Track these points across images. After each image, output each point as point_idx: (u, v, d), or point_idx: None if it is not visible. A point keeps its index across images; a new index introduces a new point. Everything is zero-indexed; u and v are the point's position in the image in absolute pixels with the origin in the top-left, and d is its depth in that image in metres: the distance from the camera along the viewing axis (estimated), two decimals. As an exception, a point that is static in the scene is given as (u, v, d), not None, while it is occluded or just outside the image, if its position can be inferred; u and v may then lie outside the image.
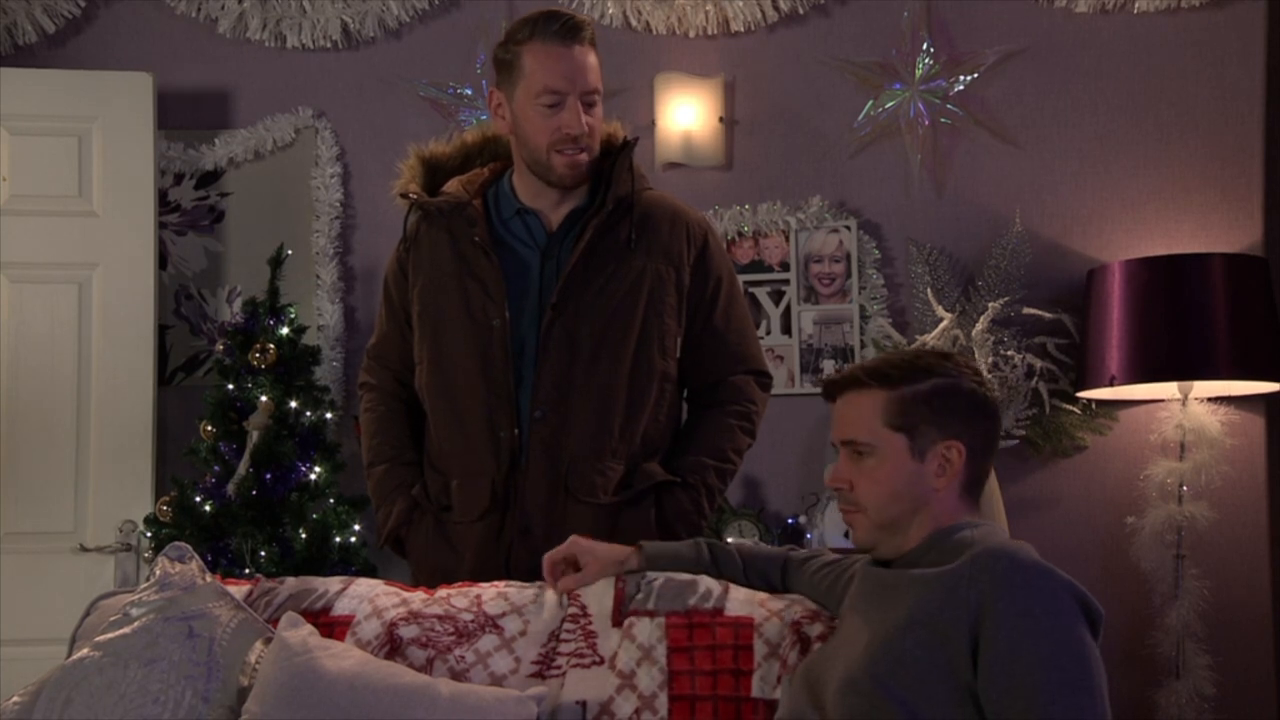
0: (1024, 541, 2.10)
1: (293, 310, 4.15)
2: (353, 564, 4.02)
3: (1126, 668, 4.03)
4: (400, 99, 4.50)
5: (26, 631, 4.16)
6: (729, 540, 3.75)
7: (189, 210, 4.59)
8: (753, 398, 2.92)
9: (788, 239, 4.33)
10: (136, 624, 2.26)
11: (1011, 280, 4.19)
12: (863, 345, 4.26)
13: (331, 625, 2.37)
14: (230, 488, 3.95)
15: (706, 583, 2.40)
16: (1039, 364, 4.04)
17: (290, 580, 2.52)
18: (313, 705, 2.12)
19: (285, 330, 4.10)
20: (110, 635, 2.27)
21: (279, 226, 4.50)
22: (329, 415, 4.13)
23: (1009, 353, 4.01)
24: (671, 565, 2.45)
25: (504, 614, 2.39)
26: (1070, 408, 4.14)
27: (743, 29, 4.41)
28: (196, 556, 2.35)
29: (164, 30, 4.60)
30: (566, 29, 2.76)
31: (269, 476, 3.96)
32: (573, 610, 2.39)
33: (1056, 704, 1.87)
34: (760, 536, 4.12)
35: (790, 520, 4.16)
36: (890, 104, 4.33)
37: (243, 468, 3.97)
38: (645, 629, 2.33)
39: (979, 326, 4.01)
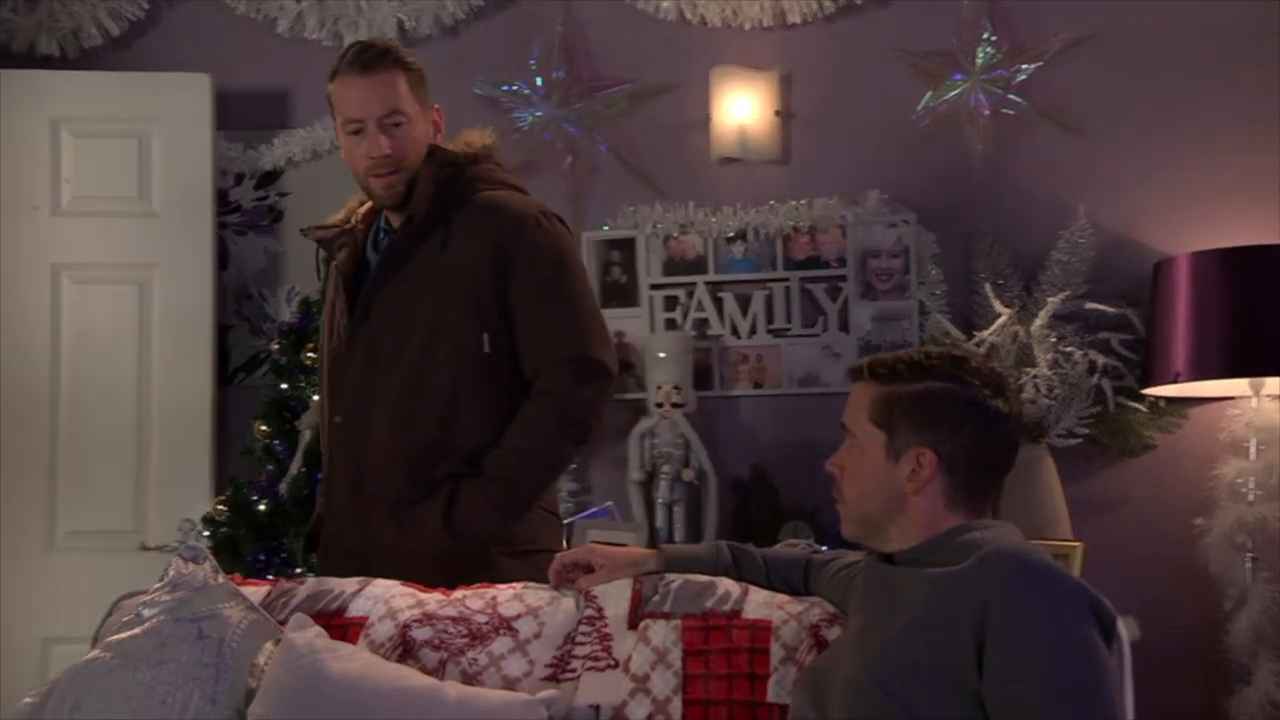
0: (1037, 545, 2.03)
1: (346, 309, 4.14)
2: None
3: (1195, 674, 3.91)
4: (457, 97, 4.46)
5: (88, 630, 4.19)
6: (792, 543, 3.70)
7: (249, 210, 4.61)
8: (562, 387, 2.85)
9: (844, 234, 4.25)
10: (147, 625, 2.26)
11: (1075, 274, 4.08)
12: (922, 342, 4.17)
13: (345, 627, 2.35)
14: (282, 487, 3.96)
15: (725, 585, 2.35)
16: (1101, 360, 3.93)
17: (310, 580, 2.51)
18: (317, 708, 2.10)
19: (338, 329, 4.10)
20: (121, 636, 2.27)
21: (337, 226, 4.50)
22: (382, 414, 4.12)
23: (1068, 349, 3.90)
24: (691, 567, 2.40)
25: (519, 616, 2.35)
26: (1136, 405, 4.02)
27: (799, 20, 4.34)
28: (210, 557, 2.34)
29: (225, 31, 4.63)
30: (362, 60, 2.93)
31: (320, 476, 3.95)
32: (589, 612, 2.35)
33: (1063, 709, 1.80)
34: (815, 537, 4.04)
35: (846, 520, 4.08)
36: (950, 94, 4.24)
37: (295, 467, 3.98)
38: (660, 631, 2.28)
39: (1038, 322, 3.91)
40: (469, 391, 2.84)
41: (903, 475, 2.08)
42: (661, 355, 4.14)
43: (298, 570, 3.89)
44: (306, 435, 3.99)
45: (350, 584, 2.45)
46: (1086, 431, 3.97)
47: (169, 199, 4.38)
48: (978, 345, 3.95)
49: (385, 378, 2.85)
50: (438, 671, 2.29)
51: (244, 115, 4.60)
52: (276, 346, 4.19)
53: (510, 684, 2.28)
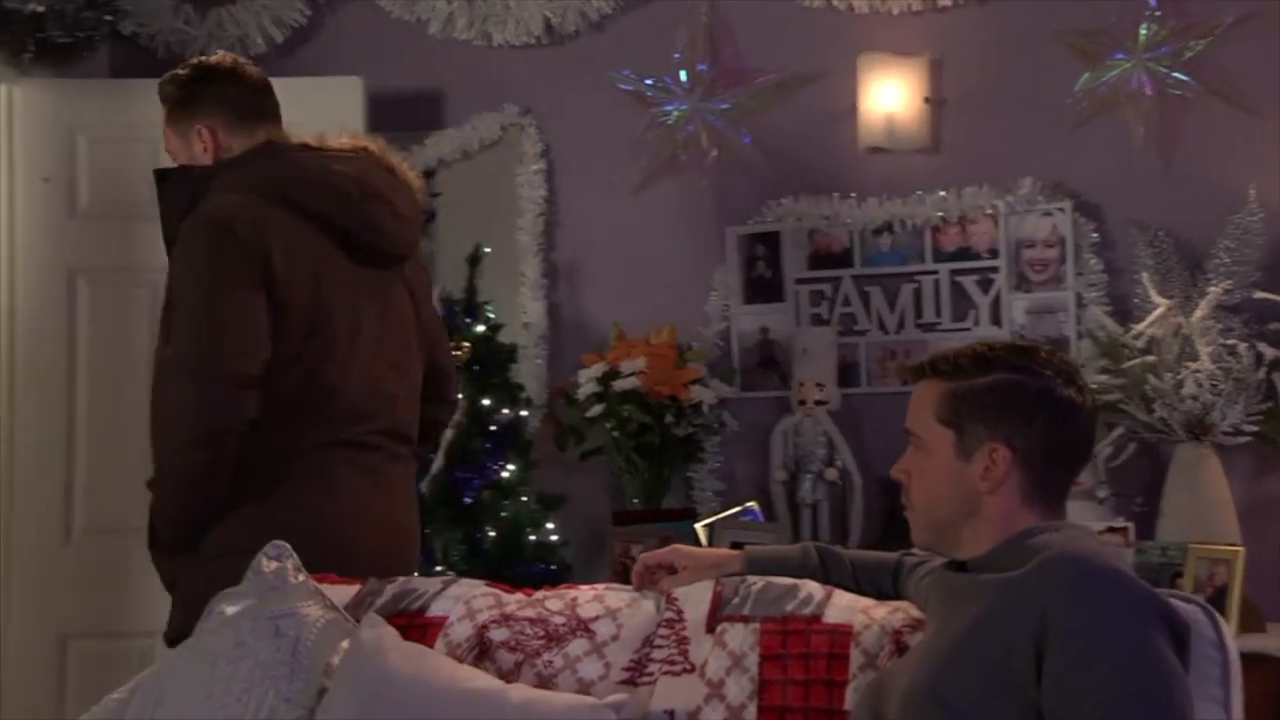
0: (1111, 548, 1.90)
1: (489, 308, 4.16)
2: (550, 561, 4.01)
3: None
4: (603, 93, 4.46)
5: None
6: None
7: (402, 211, 4.65)
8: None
9: (996, 223, 4.09)
10: (228, 622, 2.27)
11: (1245, 262, 3.85)
12: (1079, 336, 3.99)
13: (425, 627, 2.33)
14: (423, 485, 3.99)
15: (809, 588, 2.26)
16: (1271, 353, 3.70)
17: (400, 579, 2.49)
18: (380, 709, 2.09)
19: (480, 328, 4.11)
20: (204, 633, 2.29)
21: (486, 224, 4.52)
22: (524, 413, 4.12)
23: (1231, 341, 3.69)
24: (776, 569, 2.32)
25: (597, 617, 2.30)
26: (1313, 401, 3.78)
27: (950, 3, 4.19)
28: (294, 555, 2.34)
29: (380, 34, 4.69)
30: None
31: (461, 474, 3.98)
32: (668, 615, 2.29)
33: None
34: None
35: (996, 521, 3.93)
36: (1110, 75, 4.04)
37: (436, 465, 4.00)
38: (738, 635, 2.20)
39: (1199, 313, 3.70)
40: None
41: (976, 474, 1.96)
42: (804, 351, 4.05)
43: (438, 568, 3.92)
44: (449, 433, 4.00)
45: (434, 584, 2.43)
46: (1255, 429, 3.74)
47: (323, 201, 4.44)
48: (1134, 339, 3.76)
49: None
50: (513, 673, 2.25)
51: (399, 117, 4.63)
52: (420, 345, 4.21)
53: (585, 687, 2.23)
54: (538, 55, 4.54)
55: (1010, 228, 4.08)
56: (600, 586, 2.40)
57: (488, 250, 4.24)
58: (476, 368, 4.07)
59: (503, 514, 3.95)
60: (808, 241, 4.24)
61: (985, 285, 4.09)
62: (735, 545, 3.67)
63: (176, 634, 2.61)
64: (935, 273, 4.13)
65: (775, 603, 2.23)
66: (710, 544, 3.79)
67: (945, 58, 4.20)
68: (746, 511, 4.05)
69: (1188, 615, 1.99)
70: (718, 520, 3.99)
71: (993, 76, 4.17)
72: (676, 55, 4.37)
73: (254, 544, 2.47)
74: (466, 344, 4.07)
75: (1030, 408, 1.95)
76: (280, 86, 4.43)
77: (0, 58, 4.53)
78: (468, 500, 3.97)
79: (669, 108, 4.37)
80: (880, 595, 2.28)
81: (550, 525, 4.03)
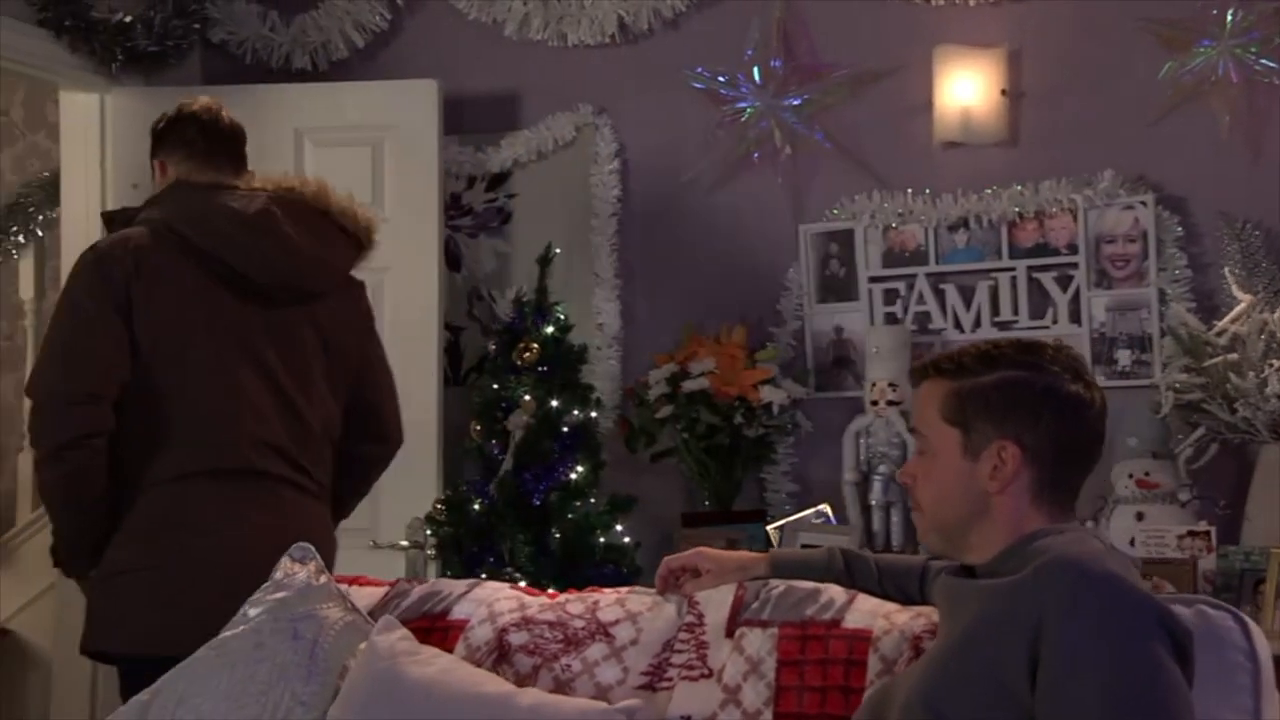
0: (1119, 552, 1.82)
1: (559, 308, 4.14)
2: (620, 564, 3.98)
3: None
4: (677, 91, 4.43)
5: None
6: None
7: (480, 213, 4.67)
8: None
9: (1075, 218, 3.97)
10: (250, 623, 2.28)
11: (1339, 255, 3.70)
12: (1162, 334, 3.86)
13: (447, 629, 2.32)
14: (492, 487, 3.99)
15: (831, 592, 2.20)
16: (1358, 352, 3.55)
17: (432, 581, 2.49)
18: (390, 712, 2.08)
19: (550, 329, 4.10)
20: (226, 634, 2.30)
21: (561, 225, 4.51)
22: (594, 414, 4.10)
23: (1313, 338, 3.54)
24: (801, 573, 2.27)
25: (617, 621, 2.27)
26: None
27: (1030, -8, 4.09)
28: (317, 557, 2.35)
29: (457, 36, 4.70)
30: None
31: (529, 476, 3.97)
32: (689, 619, 2.25)
33: None
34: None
35: (1073, 525, 3.81)
36: (1195, 63, 3.91)
37: (505, 466, 4.00)
38: (756, 640, 2.16)
39: (1281, 310, 3.56)
40: None
41: (984, 474, 1.90)
42: (875, 350, 3.98)
43: (506, 570, 3.91)
44: (517, 435, 4.00)
45: (460, 586, 2.42)
46: (1345, 433, 3.59)
47: (400, 204, 4.47)
48: (1217, 336, 3.63)
49: None
50: (530, 677, 2.22)
51: (475, 118, 4.66)
52: (494, 346, 4.22)
53: (603, 692, 2.20)
54: (612, 54, 4.52)
55: (1090, 222, 3.96)
56: (623, 590, 2.37)
57: (557, 251, 4.22)
58: (544, 369, 4.05)
59: (570, 515, 3.92)
60: (882, 239, 4.16)
61: (1064, 282, 3.98)
62: (804, 548, 3.62)
63: (85, 644, 3.01)
64: (1012, 270, 4.02)
65: (795, 607, 2.18)
66: (780, 547, 3.73)
67: (1023, 48, 4.10)
68: (818, 514, 3.99)
69: (1218, 622, 1.91)
70: (788, 523, 3.93)
71: (1073, 66, 4.05)
72: (749, 53, 4.31)
73: (136, 564, 2.88)
74: (535, 345, 4.05)
75: (1037, 404, 1.90)
76: (356, 91, 4.56)
77: (90, 67, 4.63)
78: (536, 502, 3.95)
79: (742, 105, 4.31)
80: (907, 600, 2.22)
81: (620, 527, 4.00)
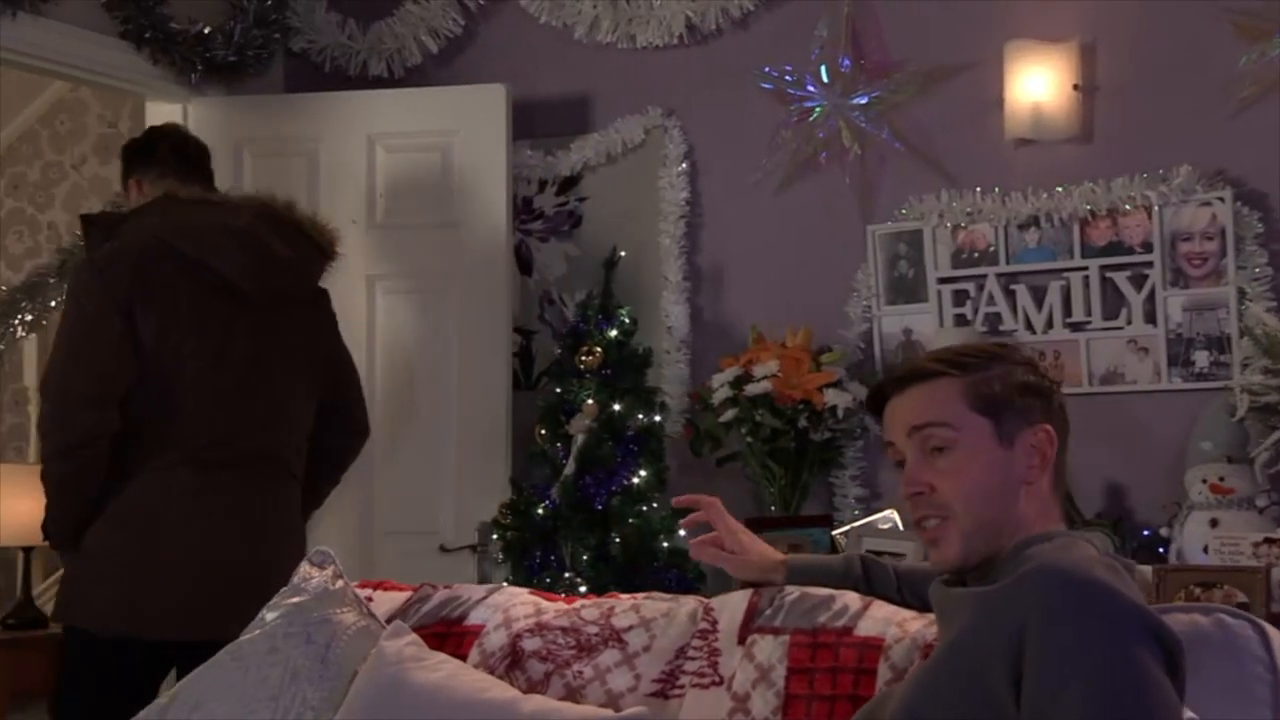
0: (1115, 559, 1.74)
1: (624, 312, 4.11)
2: (684, 569, 3.94)
3: None
4: (745, 91, 4.38)
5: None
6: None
7: (551, 216, 4.66)
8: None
9: (1150, 215, 3.85)
10: (266, 628, 2.28)
11: None
12: (1241, 334, 3.73)
13: (462, 635, 2.29)
14: (554, 491, 3.97)
15: (846, 599, 2.15)
16: None
17: (454, 586, 2.47)
18: (392, 717, 2.06)
19: (614, 333, 4.07)
20: (244, 638, 2.30)
21: (630, 228, 4.49)
22: (658, 418, 4.07)
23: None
24: (819, 579, 2.21)
25: (631, 627, 2.23)
26: None
27: (1103, -16, 3.98)
28: (336, 561, 2.34)
29: (529, 40, 4.69)
30: None
31: (590, 480, 3.95)
32: (703, 625, 2.20)
33: None
34: (1115, 547, 3.69)
35: (1145, 532, 3.70)
36: (1275, 53, 3.77)
37: (567, 471, 3.98)
38: (767, 648, 2.11)
39: (1363, 309, 3.42)
40: None
41: (1022, 462, 1.84)
42: (941, 353, 3.88)
43: (566, 574, 3.89)
44: (579, 439, 3.98)
45: (479, 591, 2.40)
46: None
47: (468, 208, 4.48)
48: (1293, 336, 3.50)
49: None
50: (542, 684, 2.19)
51: (547, 122, 4.65)
52: (559, 351, 4.21)
53: (614, 699, 2.16)
54: (680, 56, 4.48)
55: (1166, 219, 3.83)
56: (639, 596, 2.33)
57: (622, 254, 4.19)
58: (608, 373, 4.03)
59: (631, 520, 3.89)
60: (951, 239, 4.07)
61: (1139, 281, 3.86)
62: (874, 554, 3.55)
63: (56, 615, 3.34)
64: (1085, 269, 3.91)
65: (808, 614, 2.13)
66: (842, 552, 3.66)
67: (1097, 41, 3.99)
68: (885, 519, 3.91)
69: (1237, 631, 1.83)
70: (854, 528, 3.86)
71: (1147, 59, 3.94)
72: (816, 52, 4.25)
73: (115, 547, 3.18)
74: (598, 349, 4.03)
75: (1046, 394, 1.87)
76: (426, 96, 4.57)
77: (171, 77, 4.70)
78: (598, 506, 3.93)
79: (810, 105, 4.25)
80: (926, 606, 2.15)
81: (683, 533, 3.95)
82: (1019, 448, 1.84)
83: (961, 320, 4.02)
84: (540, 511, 3.99)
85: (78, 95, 6.71)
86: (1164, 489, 3.75)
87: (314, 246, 3.45)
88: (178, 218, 3.30)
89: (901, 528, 3.88)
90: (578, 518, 3.96)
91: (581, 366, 4.04)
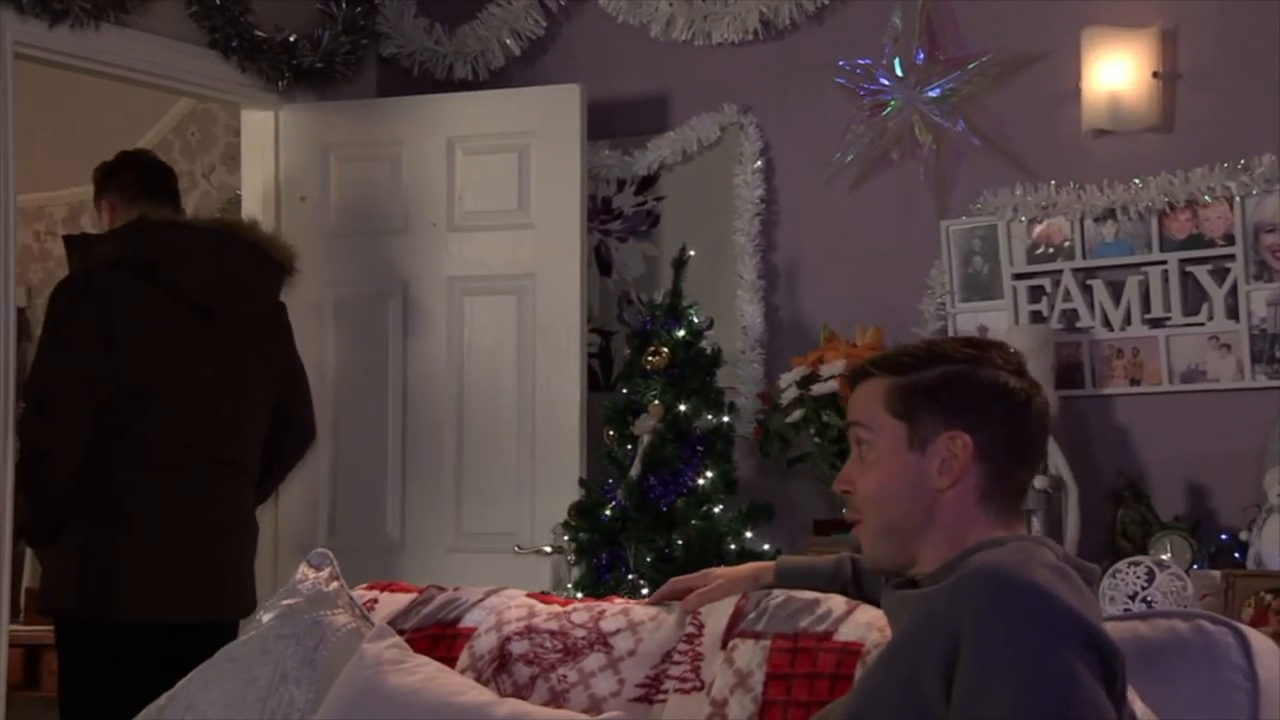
0: (1075, 564, 1.67)
1: (692, 311, 4.07)
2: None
3: None
4: (820, 87, 4.30)
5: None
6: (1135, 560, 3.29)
7: (629, 216, 4.64)
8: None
9: (1232, 206, 3.69)
10: (260, 629, 2.29)
11: None
12: (1326, 330, 3.56)
13: (455, 638, 2.27)
14: (619, 492, 3.95)
15: (831, 602, 2.08)
16: None
17: (462, 588, 2.45)
18: (364, 718, 2.05)
19: (681, 333, 4.03)
20: (240, 639, 2.31)
21: (706, 227, 4.44)
22: (725, 419, 4.01)
23: None
24: (807, 581, 2.15)
25: (617, 631, 2.19)
26: None
27: (1186, -34, 3.83)
28: (334, 563, 2.34)
29: (608, 40, 4.67)
30: None
31: (655, 481, 3.91)
32: (689, 629, 2.16)
33: None
34: (1194, 552, 3.54)
35: (1223, 536, 3.55)
36: (1366, 36, 3.60)
37: (632, 472, 3.95)
38: (747, 652, 2.05)
39: None
40: None
41: (933, 469, 1.78)
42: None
43: (629, 575, 3.86)
44: (645, 440, 3.95)
45: (476, 593, 2.38)
46: None
47: (545, 209, 4.48)
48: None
49: None
50: (527, 688, 2.17)
51: (626, 121, 4.63)
52: (628, 351, 4.18)
53: (597, 704, 2.13)
54: (756, 52, 4.42)
55: (1248, 211, 3.67)
56: (630, 600, 2.29)
57: (691, 254, 4.15)
58: (675, 373, 3.99)
59: (694, 522, 3.85)
60: (1026, 233, 3.95)
61: (1220, 275, 3.70)
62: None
63: (41, 604, 3.64)
64: (1164, 263, 3.76)
65: (791, 618, 2.07)
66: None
67: (1179, 27, 3.84)
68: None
69: (1216, 638, 1.74)
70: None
71: (1231, 44, 3.78)
72: (888, 47, 4.15)
73: (84, 539, 3.48)
74: (665, 349, 3.99)
75: (985, 397, 1.79)
76: (502, 98, 4.59)
77: (261, 85, 4.77)
78: (664, 508, 3.89)
79: (884, 98, 4.16)
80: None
81: (750, 534, 3.90)
82: (930, 454, 1.79)
83: (1037, 317, 3.90)
84: (608, 513, 3.97)
85: (207, 108, 6.85)
86: (1248, 491, 3.59)
87: (275, 265, 3.74)
88: (152, 239, 3.59)
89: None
90: (644, 519, 3.92)
91: (648, 367, 4.01)
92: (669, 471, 3.92)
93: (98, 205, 3.79)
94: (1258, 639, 1.80)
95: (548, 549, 4.28)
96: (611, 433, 4.07)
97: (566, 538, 4.11)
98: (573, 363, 4.40)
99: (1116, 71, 3.82)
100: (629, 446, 4.03)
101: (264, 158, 4.88)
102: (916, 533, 1.80)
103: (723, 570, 2.25)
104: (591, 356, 4.54)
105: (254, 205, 4.86)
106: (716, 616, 2.15)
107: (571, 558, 4.14)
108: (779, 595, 2.13)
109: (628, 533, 3.93)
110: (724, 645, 2.10)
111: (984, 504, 1.78)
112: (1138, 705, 1.70)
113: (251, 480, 3.73)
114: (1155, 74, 3.80)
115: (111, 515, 3.47)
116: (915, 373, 1.81)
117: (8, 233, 4.04)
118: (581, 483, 4.13)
